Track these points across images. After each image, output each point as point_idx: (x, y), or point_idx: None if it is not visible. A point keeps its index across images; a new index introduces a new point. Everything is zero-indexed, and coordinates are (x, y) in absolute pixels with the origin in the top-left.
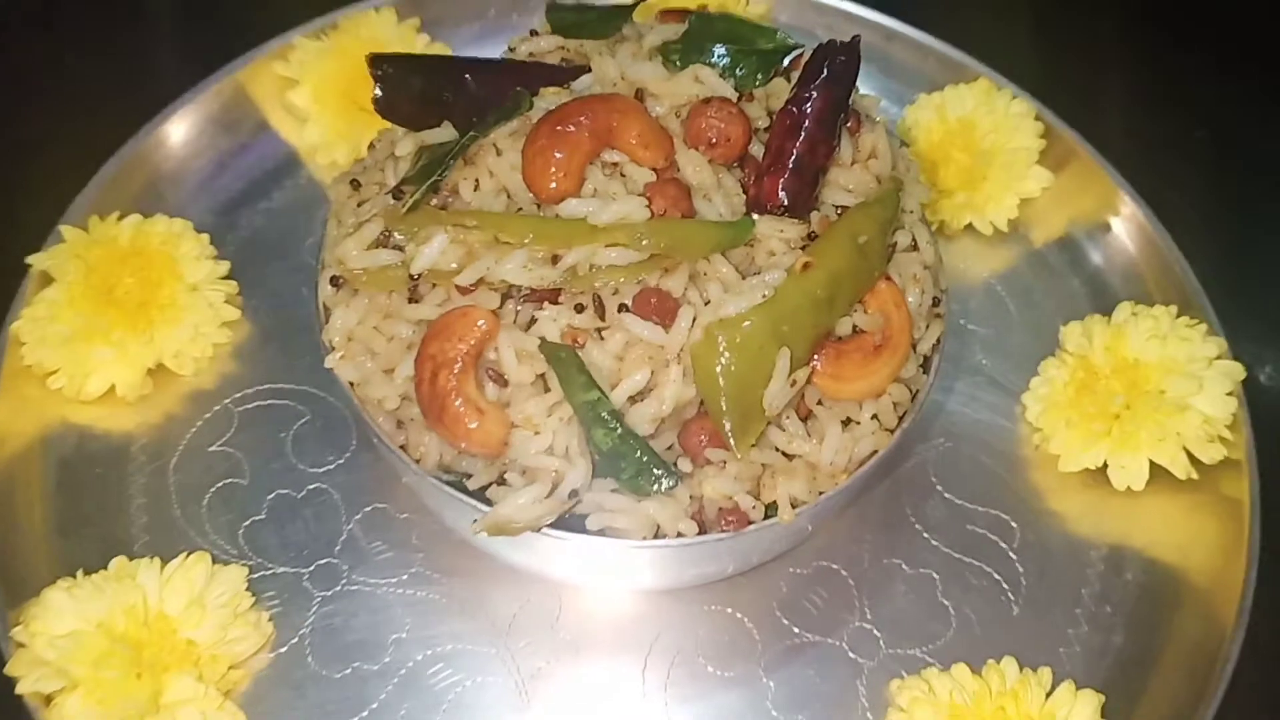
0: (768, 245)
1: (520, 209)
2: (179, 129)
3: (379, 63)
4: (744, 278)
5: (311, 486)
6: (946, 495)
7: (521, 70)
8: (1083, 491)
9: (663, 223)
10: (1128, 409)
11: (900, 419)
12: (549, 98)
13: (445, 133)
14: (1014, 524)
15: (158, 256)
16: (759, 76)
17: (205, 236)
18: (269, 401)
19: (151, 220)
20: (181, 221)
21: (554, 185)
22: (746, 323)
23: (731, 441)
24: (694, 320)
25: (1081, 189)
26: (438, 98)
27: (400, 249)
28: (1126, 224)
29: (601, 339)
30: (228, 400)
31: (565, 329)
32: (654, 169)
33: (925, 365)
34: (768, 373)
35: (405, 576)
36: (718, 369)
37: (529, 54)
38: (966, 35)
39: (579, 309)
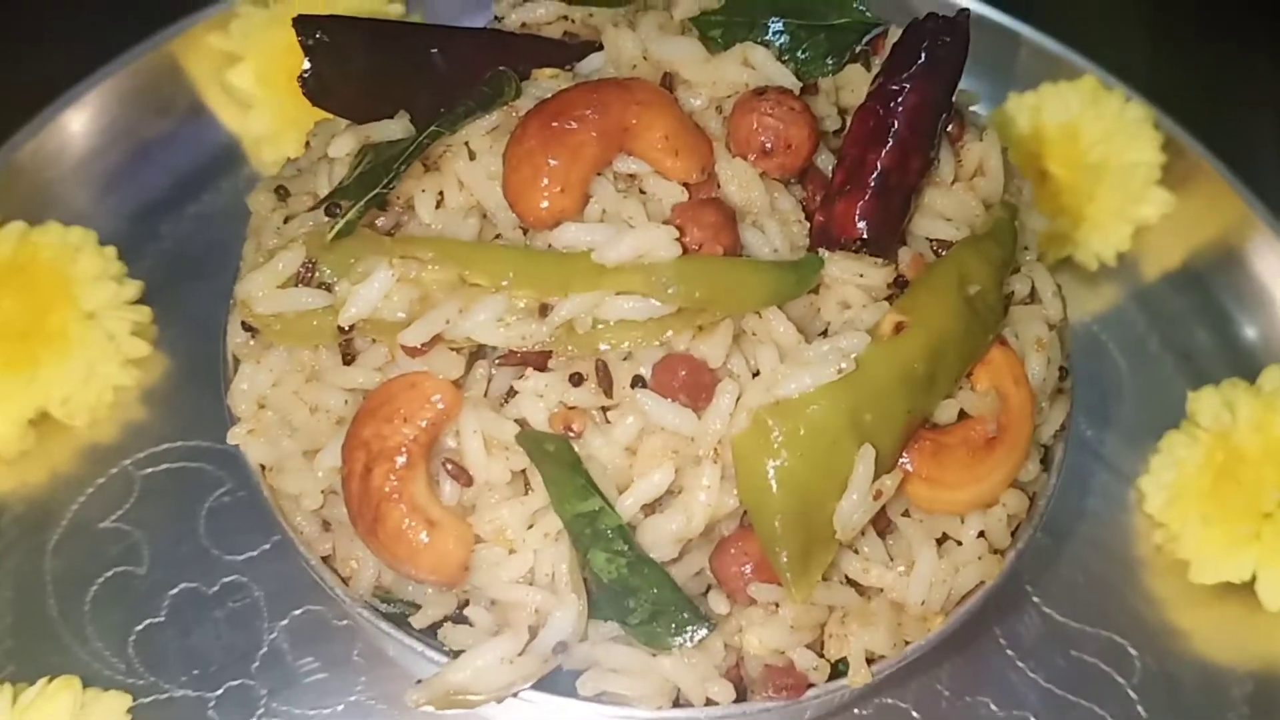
0: (840, 294)
1: (499, 236)
2: (84, 115)
3: (308, 27)
4: (808, 341)
5: (227, 580)
6: (1045, 609)
7: (508, 45)
8: (1221, 608)
9: (697, 263)
10: None
11: (1014, 535)
12: (544, 83)
13: (398, 127)
14: (1132, 650)
15: (46, 274)
16: (829, 61)
17: (112, 250)
18: (181, 464)
19: (41, 229)
20: (81, 231)
21: (546, 204)
22: (813, 407)
23: (788, 577)
24: (738, 400)
25: (1209, 214)
26: (392, 78)
27: (328, 288)
28: (1266, 259)
29: (608, 422)
30: (128, 461)
31: (556, 409)
32: (685, 184)
33: (1045, 459)
34: (842, 479)
35: (341, 707)
36: (770, 472)
37: (521, 24)
38: (1068, 24)
39: (576, 381)
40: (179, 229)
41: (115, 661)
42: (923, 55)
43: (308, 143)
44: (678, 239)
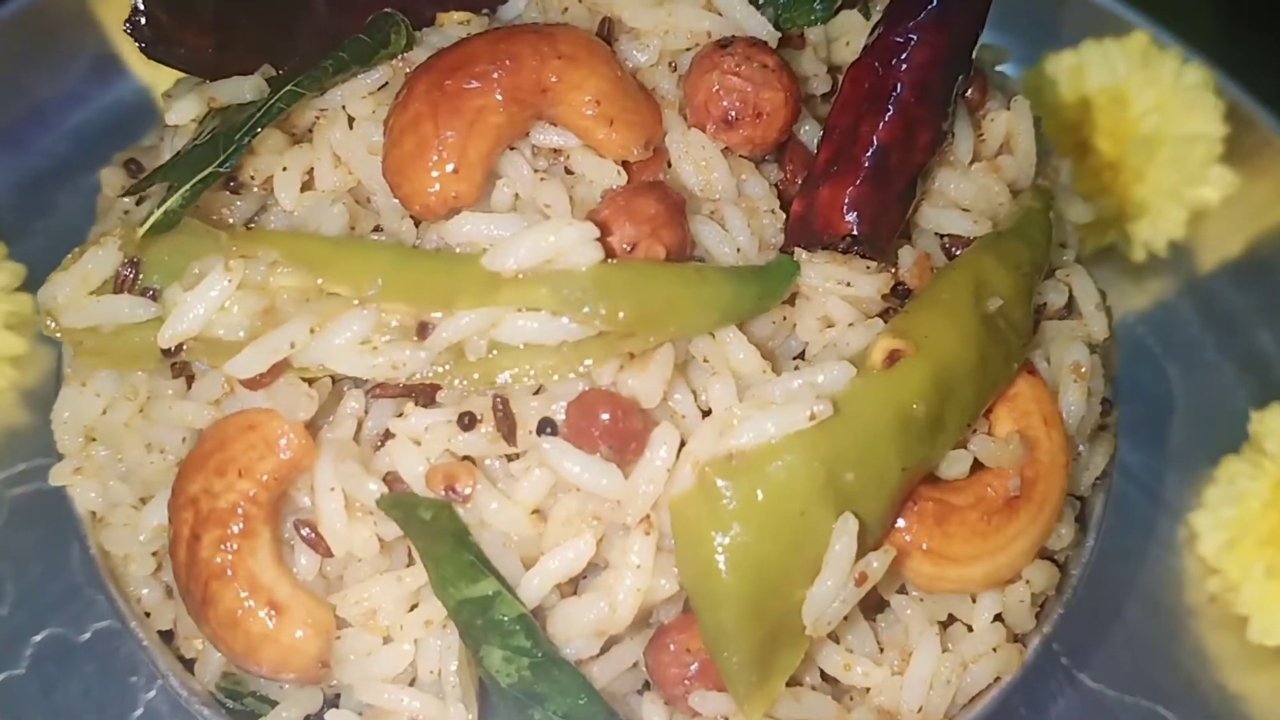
0: (821, 307)
1: (378, 229)
2: None
3: None
4: (777, 369)
5: (100, 626)
6: (1079, 675)
7: None
8: None
9: (624, 271)
10: None
11: (1039, 615)
12: (449, 30)
13: (250, 86)
14: None
15: None
16: (818, 6)
17: None
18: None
19: None
20: None
21: (435, 188)
22: (778, 463)
23: (740, 690)
24: (680, 451)
25: (1278, 197)
26: (256, 22)
27: (154, 295)
28: None
29: (511, 476)
30: None
31: (440, 458)
32: (623, 162)
33: (1082, 515)
34: (813, 559)
35: None
36: (719, 549)
37: None
38: None
39: (467, 422)
40: (73, 202)
41: None
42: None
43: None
44: (599, 238)
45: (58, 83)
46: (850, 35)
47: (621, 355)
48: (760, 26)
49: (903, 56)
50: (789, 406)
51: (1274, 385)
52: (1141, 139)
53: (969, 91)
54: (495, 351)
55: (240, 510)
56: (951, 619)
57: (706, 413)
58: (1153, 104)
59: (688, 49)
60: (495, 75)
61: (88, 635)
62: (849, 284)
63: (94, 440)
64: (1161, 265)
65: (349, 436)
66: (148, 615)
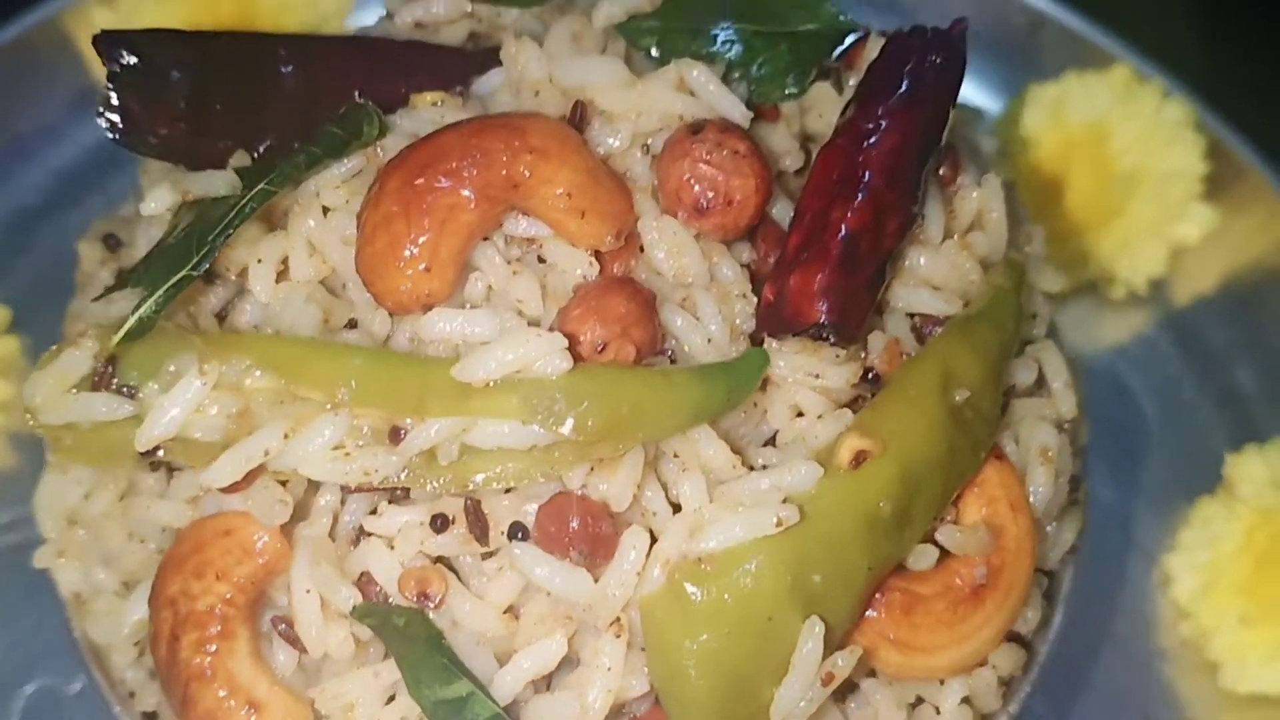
0: (791, 395)
1: (353, 323)
2: None
3: (112, 47)
4: (745, 457)
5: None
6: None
7: (383, 56)
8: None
9: (593, 379)
10: None
11: (1006, 692)
12: (422, 112)
13: (223, 180)
14: None
15: None
16: (790, 79)
17: None
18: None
19: None
20: None
21: (408, 286)
22: (745, 567)
23: None
24: (649, 551)
25: (1258, 234)
26: (229, 108)
27: (131, 393)
28: None
29: (483, 574)
30: None
31: (414, 559)
32: (595, 251)
33: (1050, 592)
34: (781, 659)
35: None
36: (688, 653)
37: (415, 23)
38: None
39: (440, 524)
40: (58, 242)
41: None
42: (905, 82)
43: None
44: (568, 347)
45: (37, 117)
46: (823, 108)
47: (591, 460)
48: (733, 107)
49: (872, 141)
50: (757, 511)
51: (1250, 425)
52: (1122, 176)
53: (940, 169)
54: (466, 455)
55: (218, 612)
56: (920, 700)
57: (676, 506)
58: (1133, 141)
59: (660, 130)
60: (467, 173)
61: (78, 687)
62: (818, 375)
63: (74, 525)
64: (1141, 301)
65: (324, 534)
66: (131, 696)
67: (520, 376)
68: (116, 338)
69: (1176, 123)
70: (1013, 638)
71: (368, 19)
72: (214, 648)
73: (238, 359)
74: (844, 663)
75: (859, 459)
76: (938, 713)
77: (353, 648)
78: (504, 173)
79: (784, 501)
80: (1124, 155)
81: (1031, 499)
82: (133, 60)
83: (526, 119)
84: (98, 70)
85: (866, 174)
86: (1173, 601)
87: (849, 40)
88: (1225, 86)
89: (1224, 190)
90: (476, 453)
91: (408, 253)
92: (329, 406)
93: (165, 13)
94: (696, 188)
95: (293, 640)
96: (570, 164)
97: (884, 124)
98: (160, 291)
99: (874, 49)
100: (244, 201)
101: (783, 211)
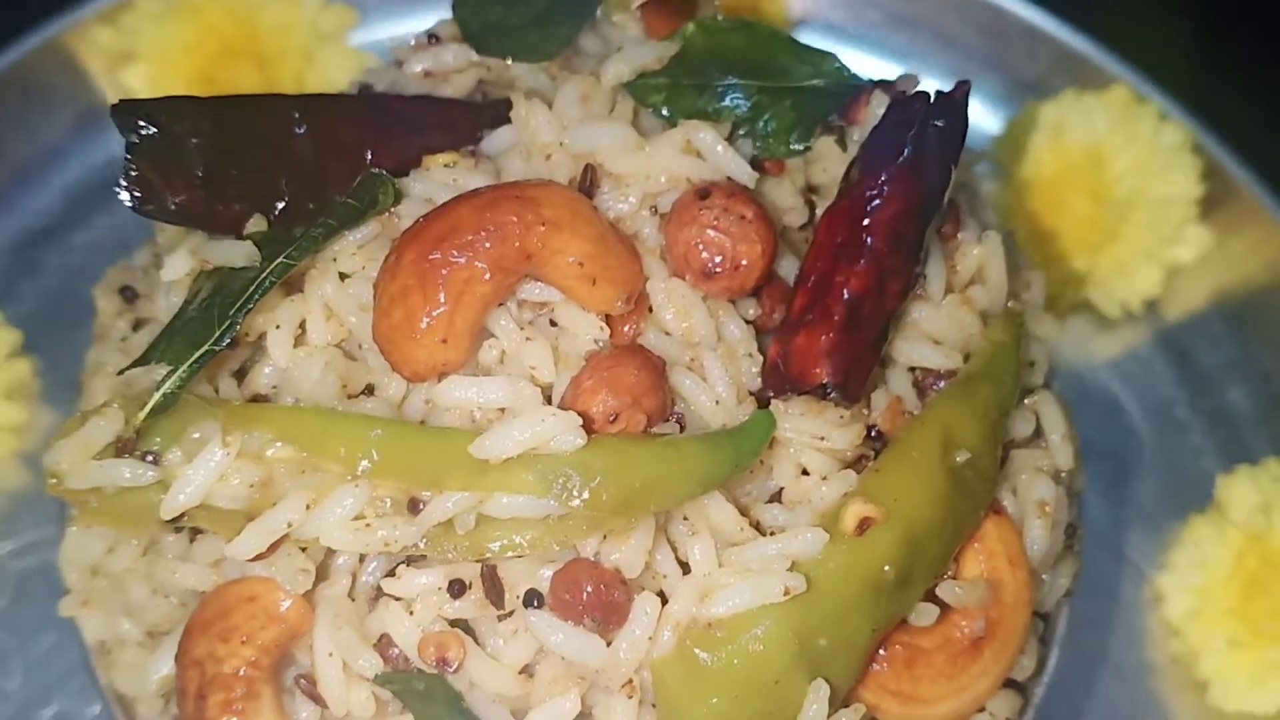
0: (798, 455)
1: (369, 389)
2: None
3: (128, 119)
4: (751, 518)
5: None
6: None
7: (393, 114)
8: None
9: (606, 453)
10: None
11: None
12: (435, 173)
13: (241, 251)
14: None
15: None
16: (795, 136)
17: None
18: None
19: None
20: None
21: (425, 357)
22: (754, 632)
23: None
24: (660, 613)
25: (1253, 255)
26: (244, 169)
27: (154, 459)
28: None
29: (498, 636)
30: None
31: (428, 633)
32: (605, 314)
33: (1046, 636)
34: (789, 718)
35: None
36: (700, 714)
37: (424, 72)
38: (1098, 19)
39: (457, 590)
40: (66, 262)
41: None
42: (908, 149)
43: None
44: (581, 416)
45: (41, 139)
46: (827, 161)
47: (604, 529)
48: (739, 169)
49: (876, 205)
50: (765, 578)
51: (1242, 445)
52: (1119, 200)
53: (944, 225)
54: (483, 524)
55: (243, 674)
56: None
57: (686, 565)
58: (1130, 166)
59: (666, 190)
60: (481, 246)
61: (96, 710)
62: (823, 438)
63: (97, 575)
64: (1136, 319)
65: (343, 593)
66: None
67: (535, 452)
68: (141, 415)
69: (1174, 147)
70: (1009, 683)
71: (371, 35)
72: (240, 708)
73: (259, 432)
74: (849, 719)
75: (863, 526)
76: None
77: (374, 708)
78: (518, 244)
79: (791, 567)
80: (1121, 180)
81: (1029, 551)
82: (151, 131)
83: (538, 189)
84: (101, 89)
85: (869, 239)
86: (1164, 620)
87: (853, 96)
88: (1220, 105)
89: (1219, 210)
90: (492, 522)
91: (424, 325)
92: (349, 478)
93: (167, 33)
94: (704, 254)
95: (315, 697)
96: (582, 234)
97: (886, 190)
98: (184, 368)
99: (878, 104)
100: (264, 276)
101: (787, 267)
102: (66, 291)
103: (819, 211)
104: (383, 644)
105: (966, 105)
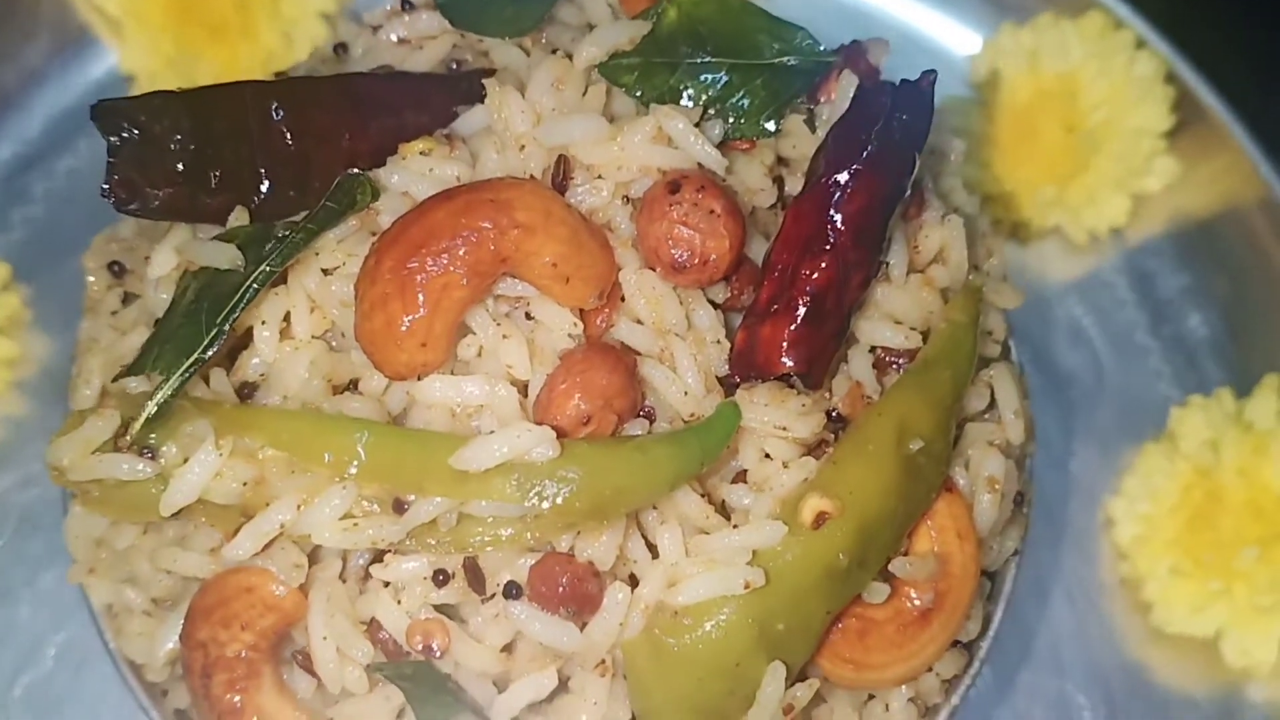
0: (760, 441)
1: (354, 385)
2: None
3: (111, 122)
4: (716, 504)
5: None
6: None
7: (369, 93)
8: (1183, 649)
9: (578, 460)
10: (1262, 564)
11: (949, 688)
12: (412, 163)
13: (223, 253)
14: (1082, 699)
15: None
16: (765, 115)
17: None
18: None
19: None
20: None
21: (405, 359)
22: (716, 619)
23: None
24: (631, 598)
25: (1216, 183)
26: (224, 159)
27: (151, 455)
28: None
29: (479, 616)
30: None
31: (415, 620)
32: (580, 310)
33: (993, 593)
34: (748, 695)
35: None
36: (666, 692)
37: (398, 39)
38: None
39: (441, 580)
40: (50, 187)
41: None
42: (872, 143)
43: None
44: (556, 426)
45: (22, 66)
46: (797, 139)
47: (578, 528)
48: (709, 156)
49: (839, 200)
50: (727, 570)
51: (1198, 374)
52: (1090, 131)
53: (907, 210)
54: (464, 521)
55: (244, 657)
56: (871, 697)
57: (654, 549)
58: (1104, 97)
59: (637, 177)
60: (457, 253)
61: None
62: (785, 429)
63: (100, 546)
64: (1102, 246)
65: (335, 575)
66: (165, 694)
67: (514, 461)
68: (137, 425)
69: (1148, 78)
70: (954, 644)
71: None
72: (242, 686)
73: (251, 438)
74: (802, 694)
75: (820, 521)
76: (887, 709)
77: (367, 685)
78: (493, 249)
79: (752, 558)
80: (1094, 111)
81: (978, 524)
82: (133, 132)
83: (512, 191)
84: (80, 13)
85: (833, 235)
86: (1113, 543)
87: (822, 74)
88: (1193, 25)
89: (1187, 136)
90: (473, 519)
91: (404, 329)
92: (337, 479)
93: None
94: (674, 249)
95: (311, 670)
96: (555, 235)
97: (850, 186)
98: (175, 377)
99: (847, 84)
100: (249, 282)
101: (756, 248)
102: (53, 219)
103: (787, 189)
104: (373, 628)
105: (932, 97)
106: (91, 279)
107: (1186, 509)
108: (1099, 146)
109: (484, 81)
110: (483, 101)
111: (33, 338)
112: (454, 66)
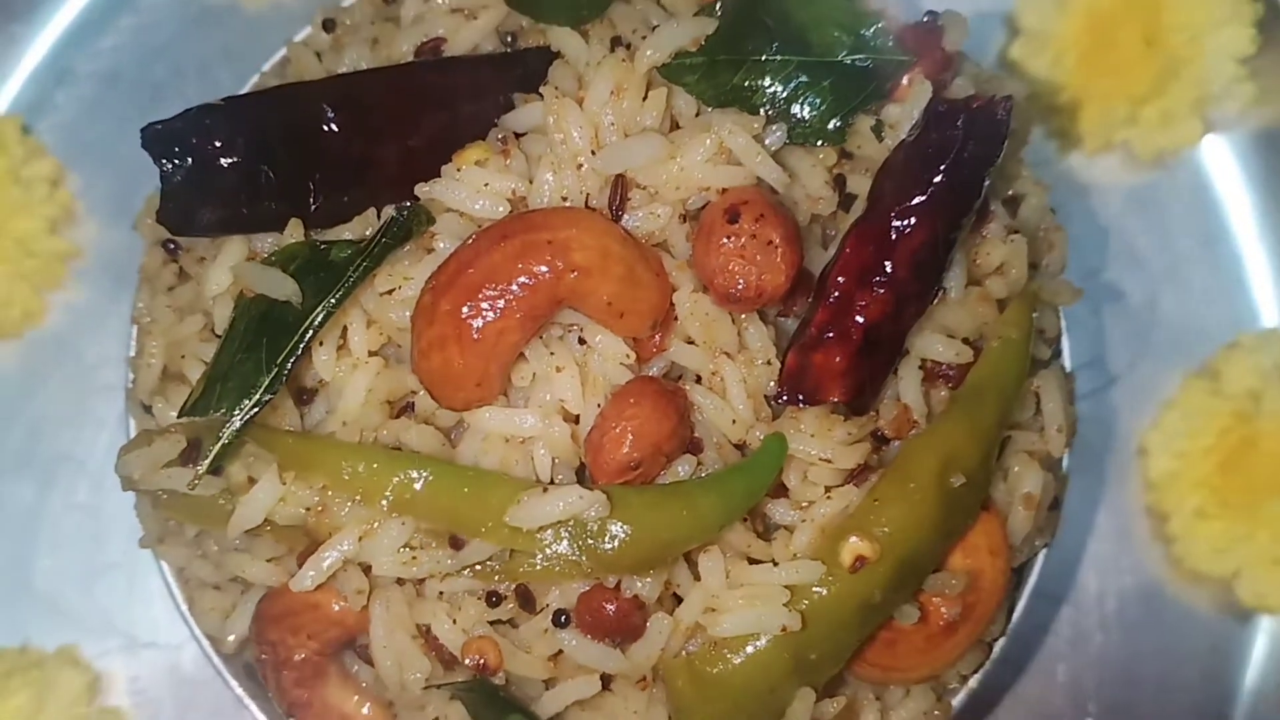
0: (804, 466)
1: (410, 404)
2: None
3: (165, 147)
4: (763, 517)
5: None
6: None
7: (421, 85)
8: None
9: (630, 519)
10: None
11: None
12: (468, 174)
13: (281, 286)
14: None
15: None
16: (833, 122)
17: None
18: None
19: None
20: None
21: (461, 395)
22: (752, 649)
23: None
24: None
25: None
26: (276, 168)
27: (217, 471)
28: None
29: (530, 628)
30: None
31: (470, 642)
32: (634, 339)
33: (1018, 584)
34: (780, 713)
35: None
36: (704, 713)
37: (451, 8)
38: None
39: (494, 601)
40: (92, 66)
41: None
42: (940, 175)
43: None
44: (605, 488)
45: None
46: (863, 139)
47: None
48: (771, 172)
49: (902, 232)
50: (765, 611)
51: (1249, 310)
52: (1170, 52)
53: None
54: (517, 554)
55: (311, 660)
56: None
57: (699, 578)
58: (1186, 19)
59: (694, 195)
60: (514, 297)
61: None
62: (831, 459)
63: (170, 522)
64: (1167, 168)
65: (393, 580)
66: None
67: (566, 515)
68: (203, 467)
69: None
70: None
71: None
72: (309, 684)
73: (313, 477)
74: (833, 708)
75: (858, 564)
76: (907, 693)
77: (424, 683)
78: (549, 293)
79: (790, 596)
80: (1175, 33)
81: (1010, 538)
82: (186, 160)
83: (569, 230)
84: None
85: (893, 267)
86: (1144, 474)
87: (895, 76)
88: None
89: (1269, 62)
90: (526, 554)
91: (459, 371)
92: (395, 515)
93: None
94: (729, 281)
95: (371, 663)
96: (611, 275)
97: (913, 221)
98: (237, 420)
99: (918, 92)
100: (307, 324)
101: (814, 256)
102: (98, 99)
103: (848, 186)
104: (430, 640)
105: (1007, 125)
106: (146, 248)
107: (1221, 451)
108: (1177, 71)
109: (540, 91)
110: (539, 93)
111: (85, 230)
112: (509, 37)
